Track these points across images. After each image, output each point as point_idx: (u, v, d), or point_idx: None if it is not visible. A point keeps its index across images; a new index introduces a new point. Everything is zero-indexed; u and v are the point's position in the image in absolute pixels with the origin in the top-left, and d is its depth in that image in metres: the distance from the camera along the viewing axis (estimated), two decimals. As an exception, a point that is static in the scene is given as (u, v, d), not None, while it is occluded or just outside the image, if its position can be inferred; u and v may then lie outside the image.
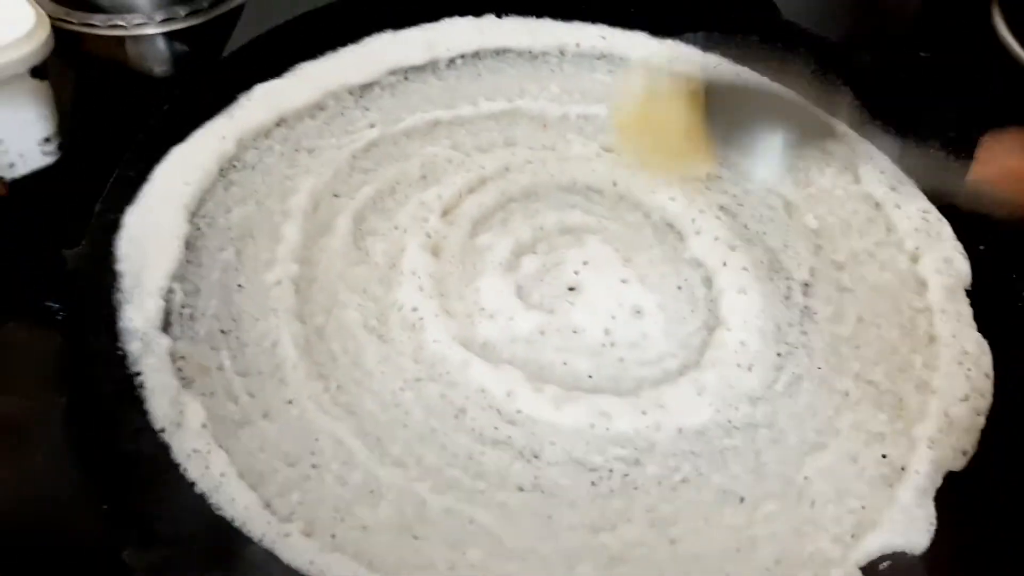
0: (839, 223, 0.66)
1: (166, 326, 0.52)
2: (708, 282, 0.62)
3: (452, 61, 0.73)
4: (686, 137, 0.59)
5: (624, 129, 0.66)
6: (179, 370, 0.50)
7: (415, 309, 0.56)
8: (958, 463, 0.52)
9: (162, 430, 0.47)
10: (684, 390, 0.55)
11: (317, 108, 0.67)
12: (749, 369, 0.56)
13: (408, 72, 0.71)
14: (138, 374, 0.49)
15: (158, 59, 0.80)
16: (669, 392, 0.54)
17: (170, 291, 0.53)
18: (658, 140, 0.63)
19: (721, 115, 0.60)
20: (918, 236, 0.64)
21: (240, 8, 0.80)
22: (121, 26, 0.77)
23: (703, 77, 0.62)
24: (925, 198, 0.66)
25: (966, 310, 0.60)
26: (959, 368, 0.57)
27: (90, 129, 0.69)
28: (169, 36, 0.79)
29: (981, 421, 0.54)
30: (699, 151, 0.60)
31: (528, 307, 0.58)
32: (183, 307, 0.53)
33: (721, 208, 0.67)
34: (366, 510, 0.46)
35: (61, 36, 0.66)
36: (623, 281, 0.61)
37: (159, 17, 0.78)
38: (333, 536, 0.45)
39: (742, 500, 0.50)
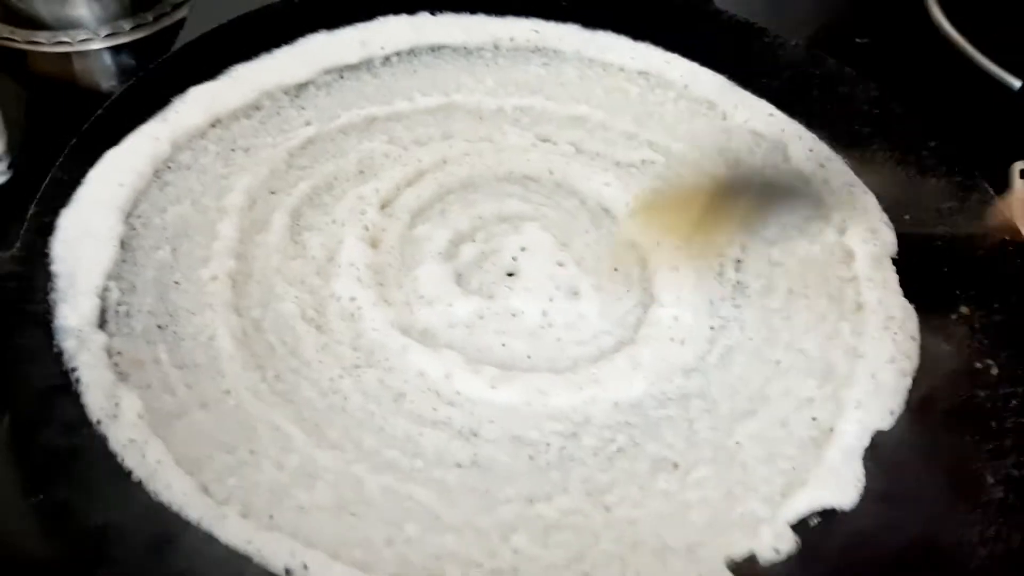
0: (769, 200, 0.67)
1: (102, 323, 0.53)
2: (643, 262, 0.63)
3: (387, 59, 0.74)
4: (703, 223, 0.59)
5: (642, 213, 0.65)
6: (115, 365, 0.50)
7: (353, 299, 0.57)
8: (885, 422, 0.54)
9: (98, 422, 0.47)
10: (619, 365, 0.56)
11: (252, 108, 0.67)
12: (682, 343, 0.58)
13: (343, 71, 0.72)
14: (74, 370, 0.49)
15: (105, 74, 0.80)
16: (605, 368, 0.56)
17: (105, 289, 0.54)
18: (675, 225, 0.62)
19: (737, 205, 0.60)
20: (845, 209, 0.66)
21: (184, 20, 0.80)
22: (66, 42, 0.78)
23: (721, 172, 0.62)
24: (852, 172, 0.68)
25: (892, 277, 0.62)
26: (885, 333, 0.58)
27: (40, 146, 0.69)
28: (115, 50, 0.79)
29: (908, 382, 0.56)
30: (716, 235, 0.60)
31: (467, 293, 0.59)
32: (119, 304, 0.54)
33: (655, 192, 0.68)
34: (303, 492, 0.47)
35: (6, 54, 0.66)
36: (560, 265, 0.62)
37: (104, 32, 0.79)
38: (271, 517, 0.46)
39: (676, 466, 0.51)
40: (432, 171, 0.67)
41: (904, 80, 0.77)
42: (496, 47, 0.76)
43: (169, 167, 0.62)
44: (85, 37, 0.78)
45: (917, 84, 0.79)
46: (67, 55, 0.78)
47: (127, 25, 0.79)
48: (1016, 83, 0.85)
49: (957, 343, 0.58)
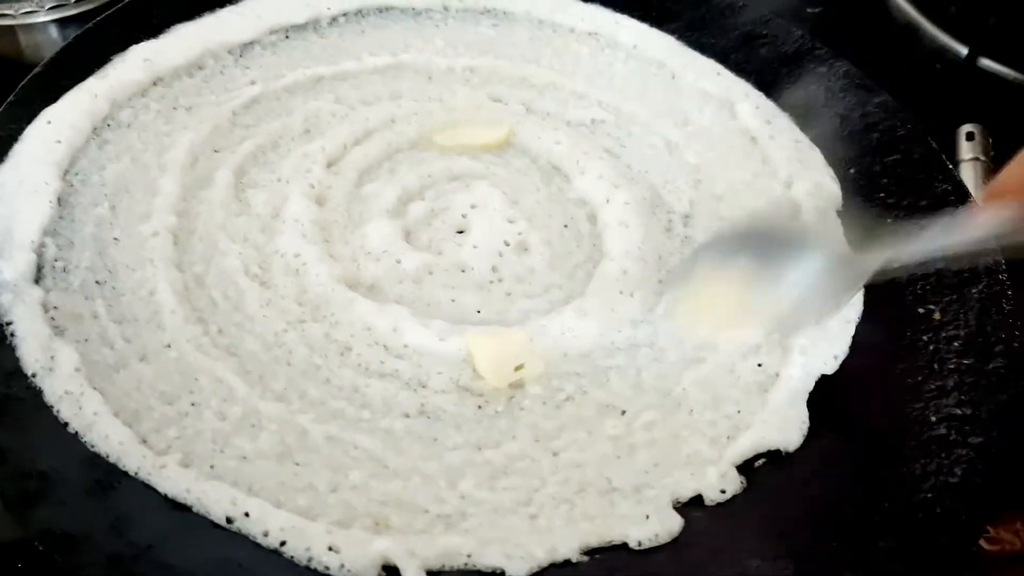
0: (717, 158, 0.68)
1: (38, 278, 0.52)
2: (593, 218, 0.63)
3: (334, 19, 0.73)
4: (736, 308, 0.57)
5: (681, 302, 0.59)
6: (51, 319, 0.49)
7: (298, 255, 0.57)
8: (830, 367, 0.54)
9: (33, 375, 0.46)
10: (568, 317, 0.56)
11: (195, 67, 0.66)
12: (632, 295, 0.58)
13: (289, 31, 0.71)
14: (9, 323, 0.48)
15: (51, 47, 0.77)
16: (555, 320, 0.55)
17: (42, 245, 0.53)
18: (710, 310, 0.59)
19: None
20: (791, 164, 0.66)
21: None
22: (9, 15, 0.76)
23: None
24: (798, 129, 0.69)
25: (837, 229, 0.63)
26: (831, 282, 0.58)
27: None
28: (61, 23, 0.78)
29: (851, 328, 0.56)
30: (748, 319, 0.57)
31: (415, 249, 0.59)
32: (56, 260, 0.53)
33: (605, 150, 0.68)
34: (246, 441, 0.46)
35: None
36: (510, 221, 0.62)
37: (49, 4, 0.77)
38: (212, 466, 0.45)
39: (623, 413, 0.51)
40: (380, 130, 0.66)
41: (854, 48, 0.78)
42: (445, 8, 0.76)
43: (108, 125, 0.61)
44: (29, 9, 0.76)
45: (867, 52, 0.79)
46: (11, 28, 0.76)
47: (72, -3, 0.78)
48: (963, 51, 0.86)
49: (900, 290, 0.58)
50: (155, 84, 0.64)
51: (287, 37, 0.71)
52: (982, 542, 0.58)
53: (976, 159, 0.76)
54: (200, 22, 0.69)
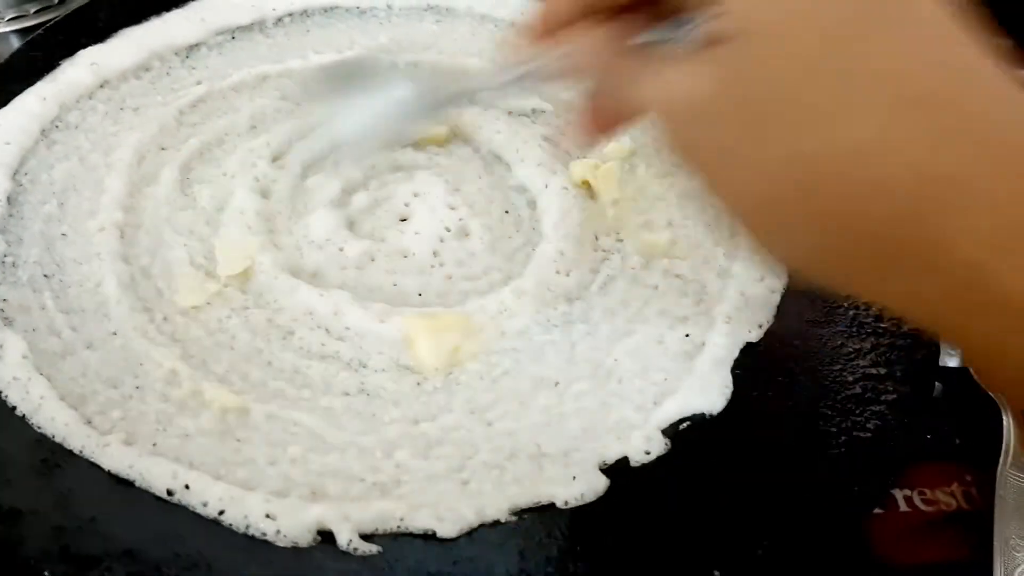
0: (653, 141, 0.70)
1: (-13, 274, 0.53)
2: (533, 204, 0.66)
3: (280, 19, 0.75)
4: None
5: None
6: (0, 311, 0.51)
7: (242, 245, 0.58)
8: (754, 335, 0.57)
9: (-20, 364, 0.48)
10: (505, 297, 0.58)
11: (142, 69, 0.68)
12: (567, 274, 0.60)
13: (235, 32, 0.73)
14: (-44, 318, 0.50)
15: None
16: (491, 300, 0.58)
17: (-9, 243, 0.54)
18: None
19: None
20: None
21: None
22: (-31, 25, 0.77)
23: None
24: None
25: (766, 205, 0.65)
26: (757, 255, 0.61)
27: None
28: (22, 33, 0.79)
29: (776, 298, 0.59)
30: None
31: (358, 236, 0.61)
32: (4, 256, 0.55)
33: (544, 138, 0.70)
34: (188, 420, 0.48)
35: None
36: (452, 208, 0.64)
37: (8, 15, 0.78)
38: (154, 444, 0.47)
39: (556, 384, 0.53)
40: (324, 125, 0.68)
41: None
42: (389, 6, 0.78)
43: (57, 126, 0.63)
44: (-10, 20, 0.77)
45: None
46: (-30, 39, 0.78)
47: (32, 8, 0.79)
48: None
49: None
50: (102, 86, 0.66)
51: (233, 38, 0.73)
52: (919, 503, 0.61)
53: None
54: (146, 25, 0.71)
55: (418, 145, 0.68)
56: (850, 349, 0.55)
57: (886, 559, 0.57)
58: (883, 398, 0.52)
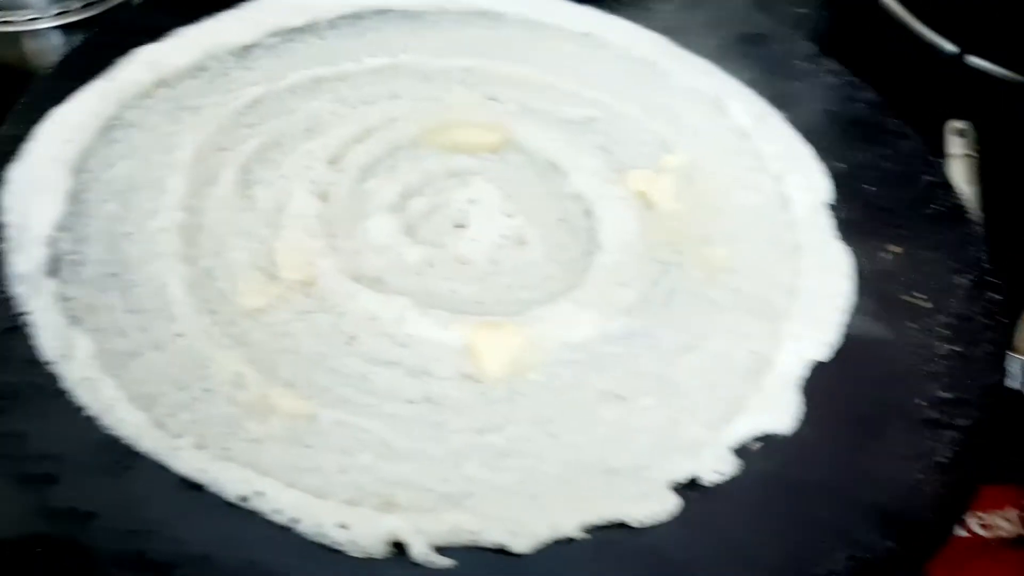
0: (708, 154, 0.70)
1: (54, 271, 0.53)
2: (588, 213, 0.65)
3: (332, 22, 0.74)
4: None
5: None
6: (67, 309, 0.51)
7: (303, 249, 0.58)
8: (822, 353, 0.56)
9: (51, 362, 0.48)
10: (565, 308, 0.57)
11: (198, 69, 0.68)
12: (627, 286, 0.60)
13: (289, 34, 0.73)
14: (26, 314, 0.50)
15: (56, 53, 0.78)
16: (552, 310, 0.57)
17: (56, 240, 0.54)
18: None
19: None
20: (782, 160, 0.68)
21: (133, -2, 0.80)
22: (13, 21, 0.77)
23: None
24: (787, 124, 0.70)
25: (827, 221, 0.64)
26: (821, 271, 0.61)
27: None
28: (65, 29, 0.79)
29: (844, 317, 0.58)
30: None
31: (416, 242, 0.60)
32: (70, 254, 0.54)
33: (599, 147, 0.70)
34: (257, 425, 0.48)
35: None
36: (508, 216, 0.63)
37: (53, 11, 0.78)
38: (225, 448, 0.46)
39: (620, 398, 0.53)
40: (380, 129, 0.68)
41: (843, 47, 0.80)
42: (441, 10, 0.77)
43: (116, 124, 0.62)
44: (33, 16, 0.77)
45: (856, 51, 0.81)
46: (15, 35, 0.77)
47: (76, 3, 0.79)
48: (952, 48, 0.88)
49: (888, 280, 0.60)
50: (159, 86, 0.66)
51: (287, 40, 0.72)
52: (976, 527, 0.60)
53: (965, 155, 0.78)
54: (201, 26, 0.70)
55: (472, 151, 0.68)
56: (921, 371, 0.54)
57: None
58: (957, 422, 0.51)
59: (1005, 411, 0.57)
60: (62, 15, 0.78)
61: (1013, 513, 0.61)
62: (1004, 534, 0.60)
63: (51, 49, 0.79)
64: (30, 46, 0.78)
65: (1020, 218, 0.76)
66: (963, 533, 0.60)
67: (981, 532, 0.60)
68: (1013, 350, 0.62)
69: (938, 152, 0.76)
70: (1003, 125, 0.82)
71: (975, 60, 0.87)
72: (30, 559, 0.41)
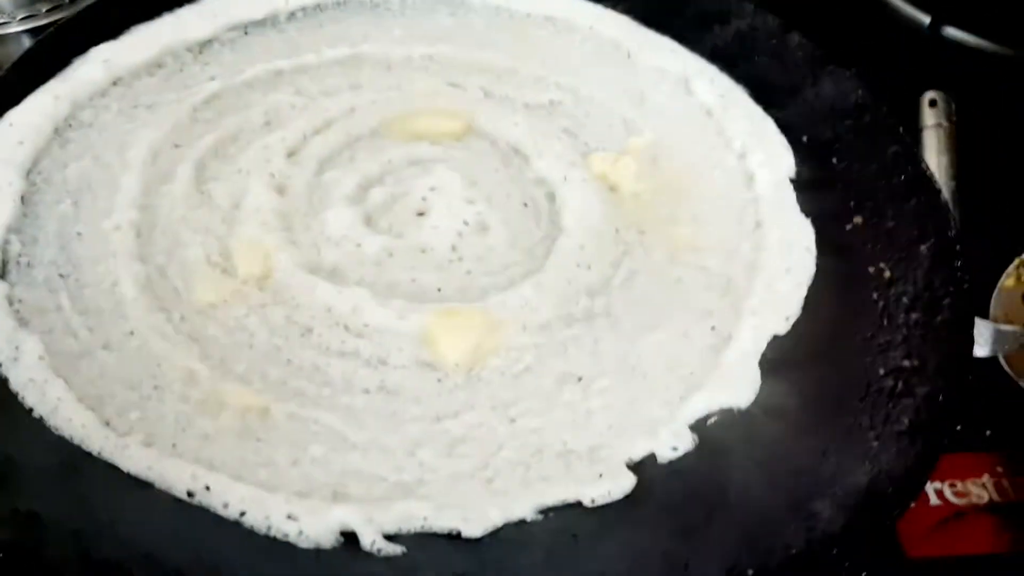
0: (674, 133, 0.69)
1: (3, 274, 0.53)
2: (551, 197, 0.64)
3: (292, 14, 0.74)
4: None
5: None
6: (16, 312, 0.51)
7: (259, 243, 0.58)
8: (782, 327, 0.55)
9: (-1, 365, 0.48)
10: (526, 292, 0.57)
11: (155, 66, 0.67)
12: (588, 268, 0.59)
13: (248, 27, 0.72)
14: (-26, 318, 0.49)
15: None
16: (512, 295, 0.57)
17: (6, 242, 0.54)
18: None
19: None
20: (745, 136, 0.68)
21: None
22: (-19, 26, 0.77)
23: None
24: (752, 101, 0.70)
25: (790, 196, 0.64)
26: (782, 246, 0.60)
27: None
28: (33, 33, 0.78)
29: (803, 290, 0.57)
30: None
31: (376, 232, 0.60)
32: (20, 256, 0.54)
33: (563, 130, 0.69)
34: (208, 421, 0.48)
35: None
36: (470, 202, 0.63)
37: (20, 15, 0.78)
38: (174, 445, 0.46)
39: (579, 379, 0.52)
40: (340, 119, 0.67)
41: (818, 20, 0.79)
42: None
43: (70, 125, 0.62)
44: (1, 21, 0.76)
45: (831, 23, 0.80)
46: (-17, 39, 0.77)
47: (44, 7, 0.78)
48: (926, 19, 0.87)
49: (851, 251, 0.59)
50: (115, 84, 0.65)
51: (246, 33, 0.72)
52: (950, 495, 0.60)
53: (939, 125, 0.77)
54: (159, 22, 0.70)
55: (434, 139, 0.67)
56: (881, 341, 0.54)
57: (918, 552, 0.56)
58: (916, 391, 0.50)
59: (976, 379, 0.56)
60: (28, 19, 0.77)
61: (988, 480, 0.61)
62: (978, 501, 0.60)
63: (18, 53, 0.78)
64: (-1, 50, 0.78)
65: (994, 187, 0.76)
66: (936, 501, 0.59)
67: (955, 500, 0.60)
68: (992, 319, 0.62)
69: (914, 123, 0.75)
70: (978, 94, 0.81)
71: (950, 31, 0.86)
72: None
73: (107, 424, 0.46)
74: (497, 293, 0.57)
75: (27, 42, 0.78)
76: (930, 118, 0.79)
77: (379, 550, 0.43)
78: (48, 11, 0.78)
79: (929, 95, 0.81)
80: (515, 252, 0.60)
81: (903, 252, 0.58)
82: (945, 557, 0.56)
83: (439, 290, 0.58)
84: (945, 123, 0.79)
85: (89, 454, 0.45)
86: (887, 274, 0.57)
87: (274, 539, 0.43)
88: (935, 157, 0.76)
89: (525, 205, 0.64)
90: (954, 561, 0.57)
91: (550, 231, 0.62)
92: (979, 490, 0.61)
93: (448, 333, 0.54)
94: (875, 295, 0.56)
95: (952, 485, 0.61)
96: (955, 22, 0.86)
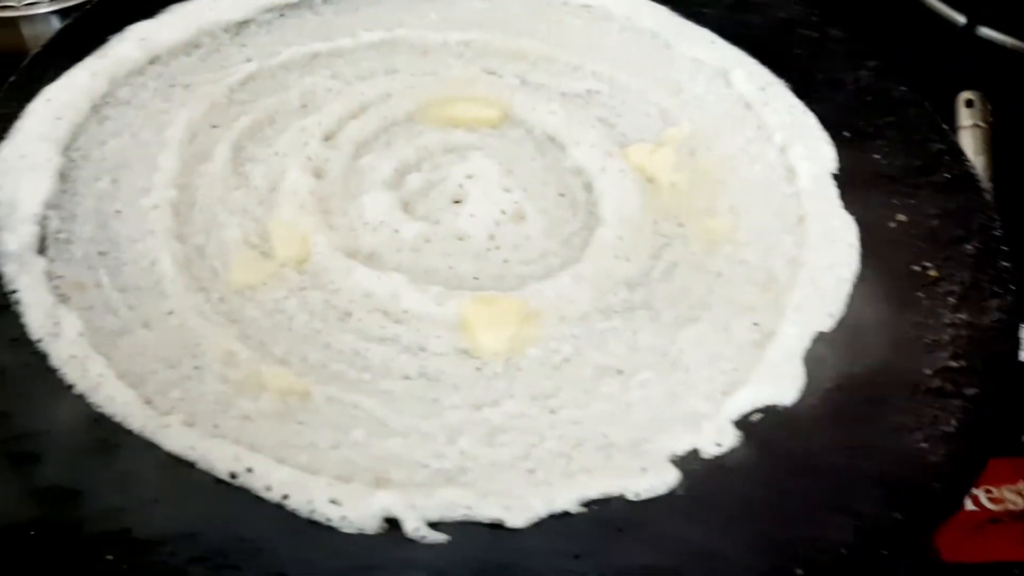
0: (712, 125, 0.68)
1: (42, 249, 0.52)
2: (588, 187, 0.64)
3: (328, -3, 0.73)
4: None
5: None
6: (56, 287, 0.50)
7: (297, 226, 0.57)
8: (826, 324, 0.55)
9: (39, 340, 0.47)
10: (565, 282, 0.56)
11: (191, 46, 0.67)
12: (627, 259, 0.58)
13: (283, 9, 0.72)
14: (14, 292, 0.49)
15: None
16: (550, 285, 0.56)
17: (45, 218, 0.54)
18: None
19: None
20: (786, 130, 0.67)
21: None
22: (11, 6, 0.76)
23: None
24: (792, 94, 0.69)
25: (832, 191, 0.63)
26: (825, 242, 0.59)
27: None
28: (63, 13, 0.78)
29: (847, 286, 0.57)
30: None
31: (413, 218, 0.59)
32: (59, 232, 0.54)
33: (600, 120, 0.69)
34: (248, 402, 0.47)
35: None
36: (506, 191, 0.62)
37: (51, -5, 0.77)
38: (215, 426, 0.46)
39: (619, 372, 0.52)
40: (376, 104, 0.67)
41: (855, 19, 0.78)
42: (439, -16, 0.76)
43: (108, 102, 0.62)
44: (31, 1, 0.76)
45: (868, 22, 0.80)
46: (13, 19, 0.77)
47: (74, -12, 0.78)
48: (961, 19, 0.87)
49: (895, 249, 0.58)
50: (152, 63, 0.65)
51: (282, 15, 0.71)
52: (985, 500, 0.59)
53: (975, 125, 0.77)
54: (195, 2, 0.69)
55: (470, 126, 0.66)
56: (927, 340, 0.53)
57: (955, 557, 0.55)
58: (964, 391, 0.50)
59: (1018, 383, 0.55)
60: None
61: (1022, 486, 0.60)
62: (1013, 507, 0.59)
63: (48, 33, 0.78)
64: (28, 31, 0.78)
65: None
66: (972, 507, 0.58)
67: (990, 506, 0.59)
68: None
69: (949, 123, 0.75)
70: (1014, 95, 0.80)
71: (985, 31, 0.85)
72: (19, 540, 0.40)
73: (148, 403, 0.46)
74: (534, 283, 0.57)
75: (56, 23, 0.78)
76: (966, 119, 0.78)
77: (423, 537, 0.42)
78: (78, -8, 0.78)
79: (965, 95, 0.80)
80: (552, 242, 0.60)
81: (948, 251, 0.58)
82: (983, 563, 0.55)
83: (476, 278, 0.57)
84: (981, 124, 0.78)
85: (130, 432, 0.44)
86: (932, 272, 0.56)
87: (316, 523, 0.42)
88: (971, 158, 0.75)
89: (561, 195, 0.63)
90: (990, 567, 0.56)
91: (587, 221, 0.61)
92: (1015, 496, 0.60)
93: (485, 322, 0.53)
94: (920, 293, 0.55)
95: (988, 491, 0.60)
96: (990, 22, 0.86)
